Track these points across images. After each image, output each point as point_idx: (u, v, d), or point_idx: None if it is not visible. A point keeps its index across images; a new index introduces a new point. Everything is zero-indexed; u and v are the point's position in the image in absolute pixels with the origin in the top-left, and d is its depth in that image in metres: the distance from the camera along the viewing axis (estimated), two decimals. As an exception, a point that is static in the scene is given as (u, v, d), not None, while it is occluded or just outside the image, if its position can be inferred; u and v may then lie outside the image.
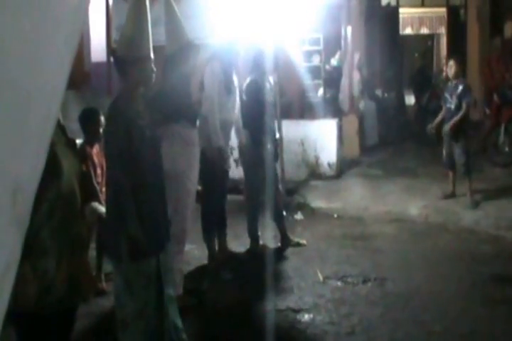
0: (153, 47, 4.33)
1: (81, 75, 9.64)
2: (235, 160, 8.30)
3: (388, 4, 18.36)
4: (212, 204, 6.91)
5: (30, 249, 3.18)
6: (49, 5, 1.67)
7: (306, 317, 5.72)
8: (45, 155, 1.76)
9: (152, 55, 4.30)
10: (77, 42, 1.83)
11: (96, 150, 6.20)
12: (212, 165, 6.62)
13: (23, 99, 1.64)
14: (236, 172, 8.08)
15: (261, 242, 7.52)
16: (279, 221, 7.58)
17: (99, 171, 6.11)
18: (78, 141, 6.14)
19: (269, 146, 7.29)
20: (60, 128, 3.59)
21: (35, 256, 3.28)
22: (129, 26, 4.29)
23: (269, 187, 7.25)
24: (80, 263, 3.58)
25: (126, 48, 4.26)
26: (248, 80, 7.36)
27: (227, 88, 6.78)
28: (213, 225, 6.97)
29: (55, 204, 3.33)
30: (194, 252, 7.05)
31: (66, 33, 1.75)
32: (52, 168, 3.27)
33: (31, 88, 1.66)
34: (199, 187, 6.67)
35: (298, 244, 7.60)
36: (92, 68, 10.28)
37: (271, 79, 7.59)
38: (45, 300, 3.35)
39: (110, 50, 4.84)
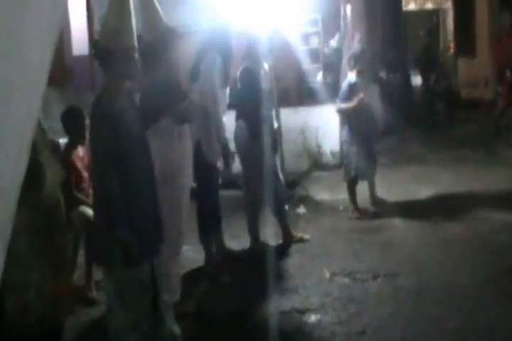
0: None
1: (62, 70, 9.59)
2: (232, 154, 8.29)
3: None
4: (208, 201, 6.91)
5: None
6: (28, 4, 1.69)
7: (313, 317, 5.71)
8: (25, 162, 1.79)
9: (136, 46, 4.28)
10: (56, 35, 1.85)
11: (81, 152, 6.18)
12: (207, 159, 6.62)
13: (2, 99, 1.66)
14: (232, 166, 8.03)
15: (262, 240, 7.51)
16: (281, 216, 7.57)
17: (85, 174, 6.08)
18: (62, 141, 6.19)
19: (267, 137, 7.28)
20: (43, 132, 3.60)
21: (12, 270, 3.26)
22: (110, 15, 4.25)
23: (269, 180, 7.24)
24: (63, 279, 3.56)
25: (109, 38, 4.22)
26: (241, 68, 7.34)
27: (225, 79, 6.75)
28: (209, 224, 6.94)
29: (36, 212, 3.33)
30: (190, 254, 6.99)
31: (45, 26, 1.76)
32: (34, 176, 3.27)
33: (10, 85, 1.67)
34: (193, 184, 6.69)
35: (301, 240, 7.60)
36: (74, 62, 10.24)
37: (266, 65, 7.55)
38: (23, 320, 3.32)
39: (92, 42, 4.81)
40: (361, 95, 8.33)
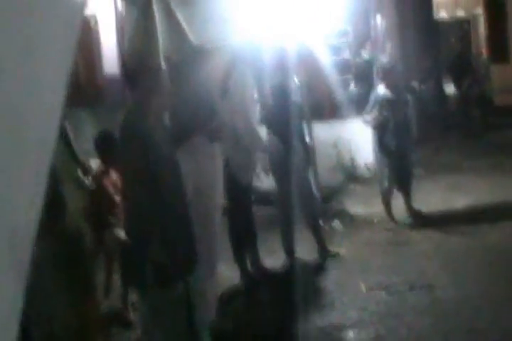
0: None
1: (94, 90, 9.67)
2: (264, 169, 8.29)
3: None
4: (241, 218, 6.91)
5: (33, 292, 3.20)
6: (41, 22, 1.70)
7: (351, 333, 5.71)
8: (43, 196, 1.76)
9: (164, 66, 4.29)
10: (71, 59, 1.83)
11: (114, 176, 6.19)
12: (238, 176, 6.65)
13: (18, 130, 1.66)
14: (266, 181, 8.05)
15: (297, 255, 7.46)
16: (316, 231, 7.56)
17: (117, 198, 6.09)
18: (93, 162, 6.23)
19: (299, 152, 7.29)
20: (72, 155, 3.62)
21: (37, 301, 3.28)
22: (137, 36, 4.29)
23: (303, 195, 7.25)
24: (91, 306, 3.57)
25: (136, 59, 4.25)
26: (272, 83, 7.35)
27: (256, 94, 6.77)
28: (243, 241, 6.95)
29: (57, 244, 3.34)
30: (226, 272, 6.87)
31: (60, 50, 1.77)
32: (55, 208, 3.28)
33: (23, 110, 1.68)
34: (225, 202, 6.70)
35: (337, 255, 7.58)
36: (105, 82, 10.32)
37: (296, 79, 7.56)
38: None
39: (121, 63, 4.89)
40: (387, 109, 8.33)
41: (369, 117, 8.62)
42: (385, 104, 8.42)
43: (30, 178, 1.73)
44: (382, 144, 8.63)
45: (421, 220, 8.66)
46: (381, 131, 8.60)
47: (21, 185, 1.69)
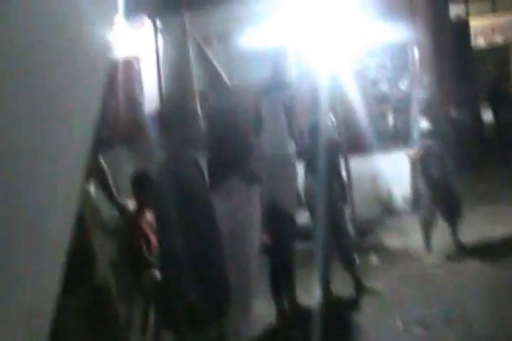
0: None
1: (135, 128, 9.74)
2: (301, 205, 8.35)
3: (457, 16, 18.16)
4: (283, 254, 6.95)
5: None
6: (70, 66, 1.77)
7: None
8: (60, 277, 1.76)
9: (199, 111, 4.36)
10: (99, 102, 1.86)
11: (149, 216, 6.26)
12: (283, 209, 6.75)
13: (39, 209, 1.70)
14: (303, 216, 8.08)
15: (333, 291, 7.50)
16: (350, 267, 7.58)
17: (153, 239, 6.17)
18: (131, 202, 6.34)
19: (335, 188, 7.38)
20: (108, 194, 3.69)
21: None
22: (172, 82, 4.37)
23: (337, 231, 7.32)
24: None
25: (172, 106, 4.31)
26: (307, 121, 7.44)
27: (290, 131, 6.87)
28: (282, 279, 6.96)
29: (85, 300, 3.41)
30: (261, 310, 6.85)
31: (87, 92, 1.82)
32: (84, 264, 3.36)
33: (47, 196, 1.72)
34: (265, 238, 6.79)
35: (373, 290, 7.58)
36: (147, 119, 10.45)
37: (332, 117, 7.63)
38: None
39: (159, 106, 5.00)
40: (429, 142, 8.40)
41: (412, 151, 8.71)
42: (427, 136, 8.52)
43: (50, 255, 1.75)
44: (426, 176, 8.70)
45: (463, 252, 8.63)
46: (424, 163, 8.67)
47: (41, 263, 1.70)
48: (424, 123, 8.73)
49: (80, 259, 3.11)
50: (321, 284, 7.37)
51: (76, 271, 2.99)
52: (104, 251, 3.52)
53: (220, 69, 5.80)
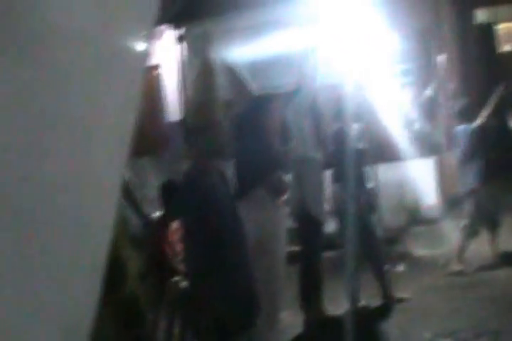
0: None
1: (157, 138, 9.77)
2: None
3: (482, 23, 18.06)
4: (313, 262, 6.89)
5: None
6: (106, 74, 1.75)
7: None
8: (99, 289, 1.74)
9: (224, 122, 4.31)
10: (136, 109, 1.85)
11: (175, 225, 6.25)
12: (313, 215, 6.69)
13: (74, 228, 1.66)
14: (331, 225, 8.00)
15: (361, 301, 7.39)
16: (381, 276, 7.50)
17: (178, 248, 6.15)
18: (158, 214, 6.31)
19: (362, 197, 7.30)
20: (133, 205, 3.69)
21: None
22: (196, 93, 4.33)
23: (367, 240, 7.23)
24: None
25: (196, 116, 4.26)
26: (333, 129, 7.37)
27: (318, 139, 6.81)
28: (310, 287, 6.88)
29: (116, 312, 3.39)
30: (288, 319, 6.85)
31: (124, 100, 1.81)
32: (115, 277, 3.34)
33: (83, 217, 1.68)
34: (294, 248, 6.71)
35: (401, 300, 7.49)
36: (169, 129, 10.45)
37: (357, 125, 7.56)
38: None
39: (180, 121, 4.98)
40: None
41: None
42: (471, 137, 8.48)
43: (88, 267, 1.73)
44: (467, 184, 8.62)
45: (498, 261, 8.50)
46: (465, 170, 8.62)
47: (79, 274, 1.69)
48: (463, 127, 8.61)
49: (109, 270, 3.06)
50: (350, 294, 7.25)
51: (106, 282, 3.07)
52: (132, 262, 3.47)
53: (244, 76, 5.76)
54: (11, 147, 1.51)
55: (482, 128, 8.66)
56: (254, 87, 6.27)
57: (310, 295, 6.92)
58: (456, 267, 8.47)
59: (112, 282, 3.31)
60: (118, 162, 1.83)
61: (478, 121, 8.72)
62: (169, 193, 6.24)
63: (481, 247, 8.80)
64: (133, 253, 3.59)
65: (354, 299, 7.20)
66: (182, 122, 4.38)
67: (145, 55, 2.01)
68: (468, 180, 8.58)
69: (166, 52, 11.06)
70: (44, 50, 1.59)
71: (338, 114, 7.32)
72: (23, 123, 1.54)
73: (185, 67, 10.38)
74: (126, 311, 3.48)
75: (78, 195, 1.67)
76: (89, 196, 1.71)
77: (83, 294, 1.68)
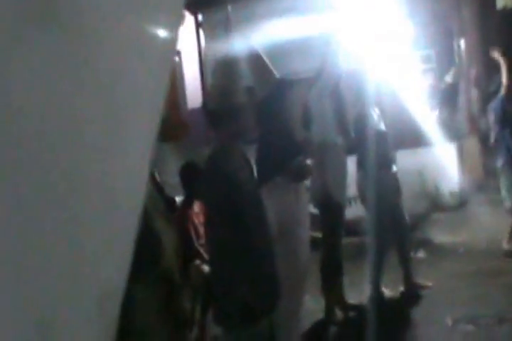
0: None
1: (178, 125, 9.74)
2: (351, 199, 8.26)
3: (504, 7, 17.87)
4: (333, 251, 6.87)
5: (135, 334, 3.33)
6: (137, 59, 1.77)
7: (437, 368, 5.57)
8: (130, 258, 1.79)
9: (247, 104, 4.29)
10: (164, 94, 1.88)
11: (197, 208, 6.29)
12: (335, 199, 6.69)
13: (106, 197, 1.71)
14: (351, 211, 8.00)
15: (383, 287, 7.39)
16: (405, 262, 7.46)
17: (201, 231, 6.20)
18: (178, 199, 6.34)
19: (388, 180, 7.30)
20: (159, 191, 3.70)
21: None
22: (218, 75, 4.30)
23: (396, 224, 7.22)
24: None
25: (218, 99, 4.24)
26: (354, 113, 7.34)
27: (339, 124, 6.78)
28: (333, 273, 6.86)
29: (154, 287, 3.41)
30: (309, 305, 6.83)
31: (154, 85, 1.83)
32: (151, 250, 3.37)
33: (112, 185, 1.72)
34: (318, 235, 6.70)
35: (422, 287, 7.47)
36: (189, 116, 10.40)
37: (377, 109, 7.52)
38: None
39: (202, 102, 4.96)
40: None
41: None
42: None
43: (121, 239, 1.76)
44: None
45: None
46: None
47: (112, 246, 1.73)
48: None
49: (146, 245, 3.18)
50: (373, 280, 7.24)
51: (143, 258, 3.14)
52: (166, 237, 3.51)
53: (266, 61, 5.75)
54: (45, 117, 1.54)
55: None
56: (276, 70, 6.26)
57: (331, 280, 6.89)
58: (475, 254, 8.42)
59: (149, 257, 3.35)
60: (148, 138, 1.85)
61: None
62: (189, 175, 6.28)
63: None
64: (167, 229, 3.60)
65: (377, 285, 7.22)
66: (203, 106, 4.33)
67: (175, 38, 2.02)
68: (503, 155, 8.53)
69: (186, 39, 11.06)
70: (82, 25, 1.62)
71: (359, 98, 7.31)
72: (59, 93, 1.56)
73: (205, 54, 10.36)
74: (163, 287, 3.51)
75: (109, 169, 1.72)
76: (120, 171, 1.76)
77: (115, 265, 1.73)
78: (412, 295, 7.37)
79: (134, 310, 3.30)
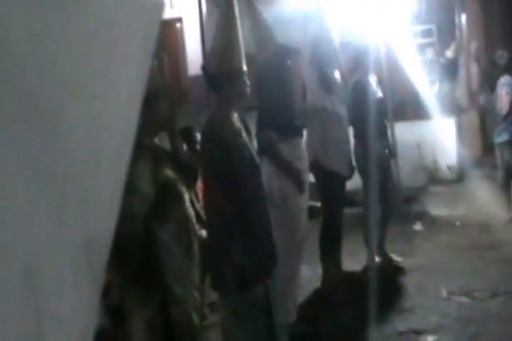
0: (247, 55, 4.30)
1: (179, 91, 9.72)
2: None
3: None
4: (335, 219, 6.80)
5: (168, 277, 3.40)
6: (123, 23, 1.74)
7: (430, 339, 5.56)
8: (119, 203, 1.78)
9: (245, 68, 4.25)
10: (149, 60, 1.85)
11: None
12: (332, 177, 6.60)
13: (93, 145, 1.69)
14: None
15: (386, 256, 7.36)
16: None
17: (200, 194, 6.13)
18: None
19: (384, 149, 7.26)
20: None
21: (174, 284, 3.47)
22: (218, 39, 4.24)
23: (386, 192, 7.17)
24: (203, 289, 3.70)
25: (217, 63, 4.22)
26: (354, 80, 7.24)
27: (324, 85, 6.68)
28: (333, 243, 6.80)
29: (181, 226, 3.43)
30: (306, 273, 6.88)
31: (136, 64, 1.78)
32: (175, 192, 3.44)
33: (101, 131, 1.70)
34: (316, 204, 6.64)
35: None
36: (190, 82, 10.37)
37: (375, 77, 7.43)
38: (189, 330, 3.52)
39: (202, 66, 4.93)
40: None
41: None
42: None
43: (107, 184, 1.75)
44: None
45: (506, 224, 8.46)
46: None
47: (99, 190, 1.71)
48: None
49: (167, 192, 3.45)
50: (370, 249, 7.14)
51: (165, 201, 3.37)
52: (180, 185, 3.54)
53: (269, 24, 5.68)
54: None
55: None
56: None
57: (330, 249, 6.80)
58: (471, 228, 8.45)
59: (175, 195, 3.39)
60: (134, 100, 1.82)
61: None
62: (186, 139, 6.22)
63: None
64: (179, 178, 3.62)
65: (372, 254, 7.15)
66: (203, 69, 4.28)
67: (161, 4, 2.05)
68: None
69: (188, 5, 10.91)
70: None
71: (358, 66, 7.21)
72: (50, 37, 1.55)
73: (206, 20, 10.23)
74: (189, 226, 3.53)
75: (98, 113, 1.71)
76: (109, 117, 1.75)
77: (103, 210, 1.72)
78: (406, 264, 7.31)
79: (162, 252, 3.46)
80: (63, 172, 1.60)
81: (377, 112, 6.93)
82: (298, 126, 5.83)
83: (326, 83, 6.61)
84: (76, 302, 1.65)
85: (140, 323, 3.24)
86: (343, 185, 6.87)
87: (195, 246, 3.63)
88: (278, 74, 5.66)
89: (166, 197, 3.34)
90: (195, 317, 3.52)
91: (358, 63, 7.22)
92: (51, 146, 1.57)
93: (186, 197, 3.52)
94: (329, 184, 6.64)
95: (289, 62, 5.75)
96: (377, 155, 6.93)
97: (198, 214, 6.06)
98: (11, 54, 1.46)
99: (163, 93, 3.61)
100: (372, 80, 7.18)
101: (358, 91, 7.06)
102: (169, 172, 3.53)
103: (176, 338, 3.42)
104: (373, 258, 7.19)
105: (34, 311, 1.53)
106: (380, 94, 7.35)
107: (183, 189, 3.51)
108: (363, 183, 7.26)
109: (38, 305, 1.54)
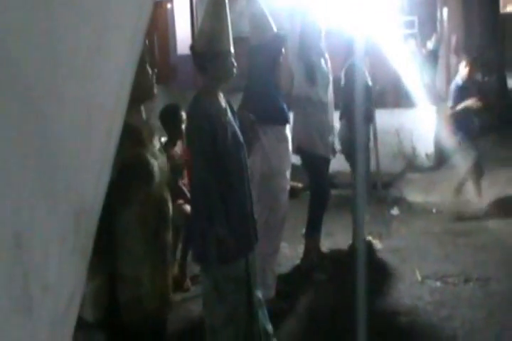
0: (236, 38, 4.27)
1: (167, 69, 9.70)
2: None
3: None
4: (322, 196, 6.76)
5: (121, 257, 3.28)
6: (108, 14, 1.67)
7: (404, 320, 5.57)
8: (108, 174, 1.74)
9: (232, 49, 4.23)
10: (139, 51, 1.79)
11: (180, 149, 6.21)
12: (316, 159, 6.60)
13: (84, 116, 1.64)
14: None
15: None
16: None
17: (185, 172, 6.11)
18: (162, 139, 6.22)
19: (368, 132, 7.33)
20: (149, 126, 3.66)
21: (126, 265, 3.31)
22: (207, 20, 4.21)
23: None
24: (168, 274, 3.59)
25: (205, 43, 4.19)
26: (347, 65, 7.20)
27: (309, 76, 6.64)
28: (320, 220, 6.77)
29: (144, 208, 3.33)
30: (285, 251, 6.91)
31: (127, 40, 1.73)
32: (142, 172, 3.31)
33: (92, 104, 1.65)
34: (298, 185, 6.55)
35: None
36: (178, 61, 10.35)
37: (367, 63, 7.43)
38: (136, 312, 3.37)
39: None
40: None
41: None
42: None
43: (97, 157, 1.70)
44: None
45: (480, 212, 8.45)
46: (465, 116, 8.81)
47: (87, 164, 1.67)
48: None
49: (138, 169, 3.32)
50: (356, 230, 7.08)
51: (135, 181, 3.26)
52: (159, 167, 3.46)
53: (268, 15, 5.65)
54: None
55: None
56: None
57: (316, 226, 6.77)
58: (446, 214, 8.46)
59: (140, 177, 3.27)
60: (125, 79, 1.77)
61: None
62: (170, 117, 6.27)
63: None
64: (159, 157, 3.51)
65: (362, 236, 7.08)
66: (191, 48, 4.24)
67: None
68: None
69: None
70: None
71: (350, 51, 7.16)
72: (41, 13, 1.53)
73: (197, 1, 10.13)
74: (154, 211, 3.41)
75: (89, 87, 1.66)
76: (99, 90, 1.70)
77: (92, 180, 1.69)
78: (383, 248, 7.31)
79: (121, 232, 3.28)
80: (54, 145, 1.58)
81: (367, 96, 6.93)
82: (282, 110, 5.81)
83: (311, 75, 6.55)
84: (64, 270, 1.62)
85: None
86: (328, 164, 6.89)
87: (166, 229, 3.51)
88: (271, 60, 5.69)
89: (130, 178, 3.20)
90: (149, 300, 3.39)
91: (351, 50, 7.16)
92: (42, 120, 1.55)
93: (157, 176, 3.38)
94: (315, 165, 6.66)
95: (283, 49, 5.74)
96: (363, 137, 6.89)
97: (181, 191, 6.05)
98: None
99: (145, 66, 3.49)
100: (365, 66, 7.15)
101: (350, 75, 7.06)
102: (139, 150, 3.37)
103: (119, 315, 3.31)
104: (362, 239, 7.12)
105: (22, 278, 1.52)
106: (368, 80, 7.30)
107: (155, 169, 3.38)
108: (350, 166, 7.26)
109: (26, 272, 1.53)
